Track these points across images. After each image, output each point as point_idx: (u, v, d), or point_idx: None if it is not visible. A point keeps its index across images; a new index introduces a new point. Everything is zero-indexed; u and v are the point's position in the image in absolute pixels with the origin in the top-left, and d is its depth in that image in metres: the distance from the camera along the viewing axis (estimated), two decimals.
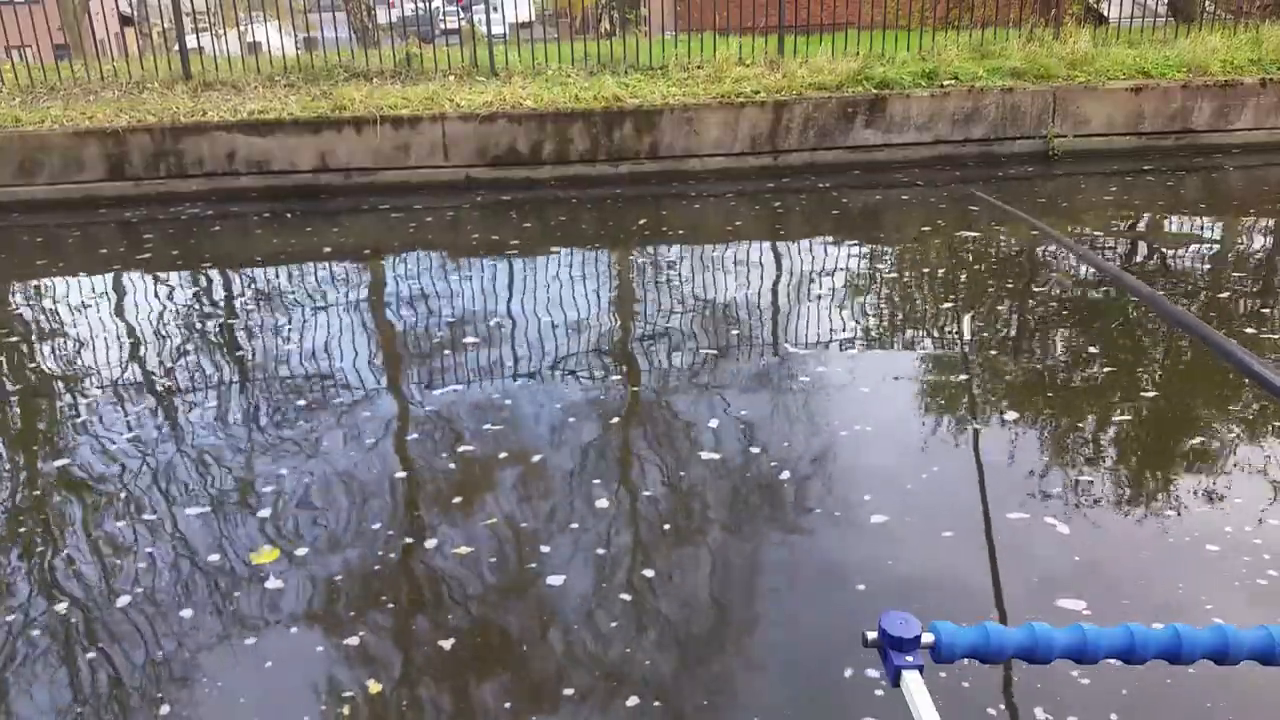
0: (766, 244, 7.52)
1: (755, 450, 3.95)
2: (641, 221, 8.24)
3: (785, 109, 9.58)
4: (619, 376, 4.82)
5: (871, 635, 1.10)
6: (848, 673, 2.63)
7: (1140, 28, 11.68)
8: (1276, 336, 5.16)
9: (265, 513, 3.58)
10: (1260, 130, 10.01)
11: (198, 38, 11.60)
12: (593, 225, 8.23)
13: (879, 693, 2.55)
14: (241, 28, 12.13)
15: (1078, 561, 3.11)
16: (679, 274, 6.65)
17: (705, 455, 3.92)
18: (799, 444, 4.03)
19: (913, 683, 1.06)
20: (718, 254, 7.11)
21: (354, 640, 2.85)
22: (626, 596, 3.01)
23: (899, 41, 10.90)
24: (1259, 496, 3.51)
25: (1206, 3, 13.05)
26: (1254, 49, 10.39)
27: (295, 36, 12.48)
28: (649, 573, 3.14)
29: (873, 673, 2.62)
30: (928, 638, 1.09)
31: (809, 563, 3.21)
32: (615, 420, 4.29)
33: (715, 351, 5.12)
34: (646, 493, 3.65)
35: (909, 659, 1.07)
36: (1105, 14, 13.40)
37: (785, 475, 3.74)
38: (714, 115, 9.53)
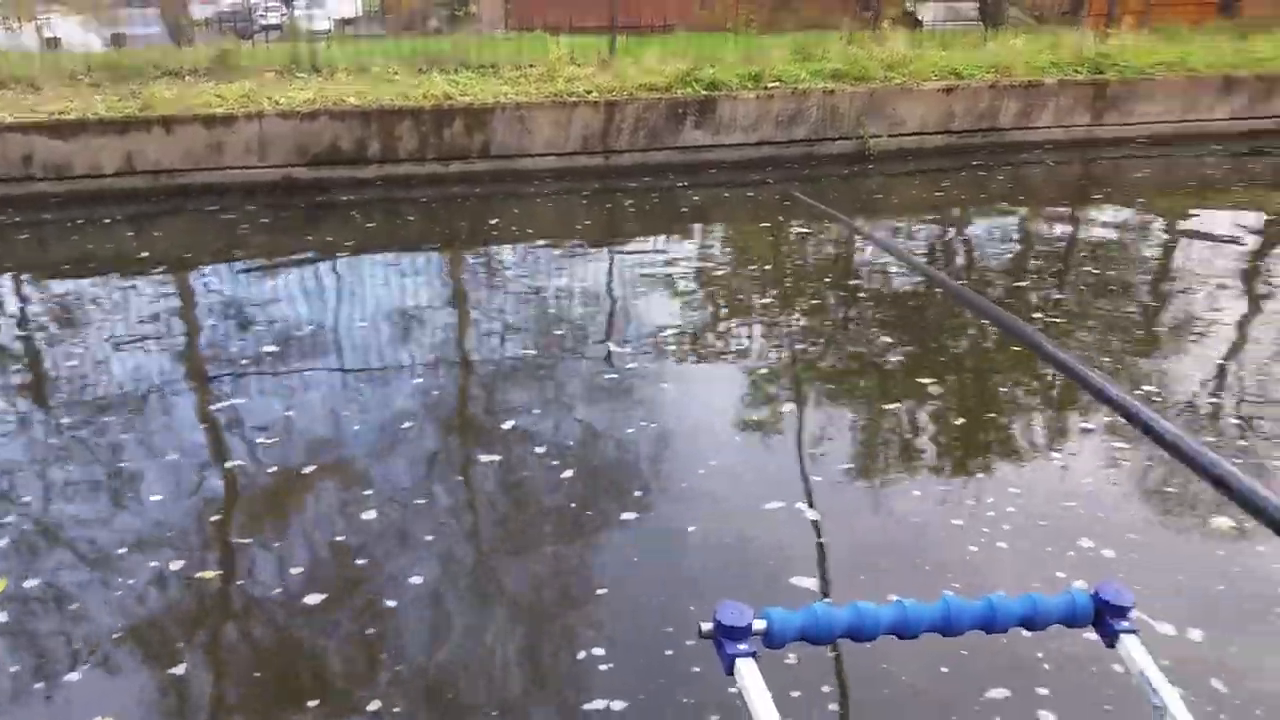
0: (600, 243, 7.52)
1: (540, 450, 3.94)
2: (484, 221, 8.12)
3: (617, 109, 9.63)
4: (421, 379, 4.73)
5: (706, 626, 1.11)
6: (580, 655, 2.72)
7: (953, 31, 12.26)
8: (1062, 320, 5.50)
9: (3, 541, 3.36)
10: (1058, 128, 10.64)
11: None
12: (421, 226, 8.07)
13: (602, 667, 2.61)
14: (39, 21, 11.38)
15: (820, 544, 3.22)
16: (506, 274, 6.59)
17: (486, 457, 3.89)
18: (589, 444, 4.04)
19: (746, 670, 1.07)
20: (549, 255, 7.08)
21: (76, 676, 2.70)
22: (391, 602, 2.97)
23: (726, 44, 11.11)
24: (1014, 471, 3.72)
25: (1011, 9, 13.81)
26: (1053, 52, 11.04)
27: (102, 33, 11.81)
28: (417, 580, 3.09)
29: (599, 651, 2.67)
30: (760, 624, 1.11)
31: (555, 564, 3.22)
32: (407, 424, 4.21)
33: (534, 351, 5.08)
34: (419, 501, 3.59)
35: (742, 647, 1.09)
36: (920, 18, 14.02)
37: (568, 474, 3.75)
38: (546, 114, 9.49)
